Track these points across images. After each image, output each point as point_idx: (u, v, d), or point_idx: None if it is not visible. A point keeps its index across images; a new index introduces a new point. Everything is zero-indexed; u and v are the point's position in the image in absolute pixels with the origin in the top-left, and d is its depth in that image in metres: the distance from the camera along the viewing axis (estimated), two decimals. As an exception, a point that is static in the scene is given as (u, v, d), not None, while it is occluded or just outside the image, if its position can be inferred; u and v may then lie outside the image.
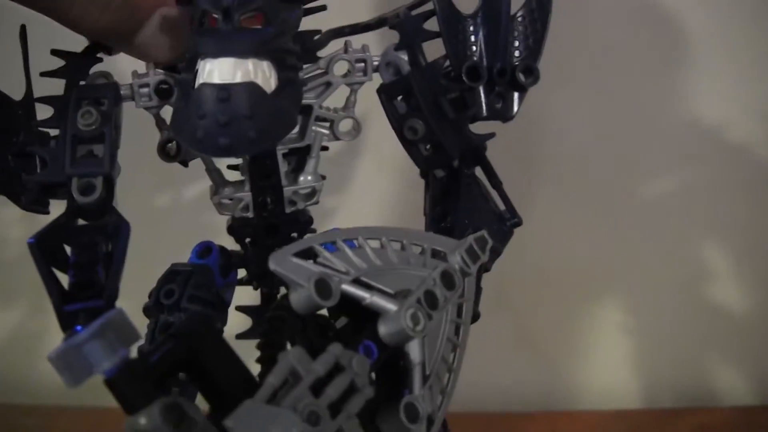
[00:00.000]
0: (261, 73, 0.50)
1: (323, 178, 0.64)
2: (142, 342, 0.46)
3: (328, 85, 0.60)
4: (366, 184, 1.03)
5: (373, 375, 0.48)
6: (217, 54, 0.49)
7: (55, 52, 0.57)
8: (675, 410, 1.10)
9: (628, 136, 1.06)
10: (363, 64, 0.60)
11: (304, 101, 0.59)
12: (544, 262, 1.05)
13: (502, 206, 0.61)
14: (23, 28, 0.57)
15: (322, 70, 0.60)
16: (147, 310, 0.58)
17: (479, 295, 0.56)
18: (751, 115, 1.04)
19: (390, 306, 0.49)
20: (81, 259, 0.50)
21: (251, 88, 0.49)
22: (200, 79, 0.50)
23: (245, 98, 0.48)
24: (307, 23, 0.58)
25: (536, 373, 1.14)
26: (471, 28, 0.61)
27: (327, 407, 0.43)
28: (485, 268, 0.58)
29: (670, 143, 1.07)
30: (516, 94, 0.62)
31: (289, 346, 0.49)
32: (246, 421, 0.42)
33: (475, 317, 0.55)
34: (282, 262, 0.49)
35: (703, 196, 1.08)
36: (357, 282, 0.50)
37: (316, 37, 0.62)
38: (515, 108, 0.62)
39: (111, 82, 0.57)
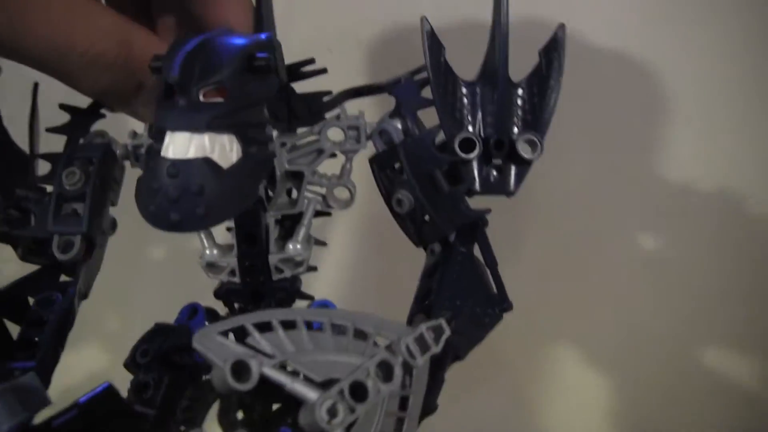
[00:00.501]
0: (219, 148, 0.49)
1: (324, 244, 0.62)
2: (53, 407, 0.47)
3: (321, 151, 0.59)
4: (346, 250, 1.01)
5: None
6: (173, 128, 0.49)
7: (62, 107, 0.60)
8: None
9: (618, 188, 1.03)
10: (356, 132, 0.58)
11: (295, 167, 0.58)
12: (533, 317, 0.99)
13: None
14: (36, 85, 0.59)
15: (316, 136, 0.58)
16: (126, 367, 0.59)
17: (437, 386, 0.52)
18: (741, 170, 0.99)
19: (310, 395, 0.47)
20: (34, 316, 0.51)
21: (202, 164, 0.48)
22: (161, 152, 0.50)
23: (195, 175, 0.48)
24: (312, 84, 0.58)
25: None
26: (469, 96, 0.58)
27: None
28: (457, 357, 0.54)
29: (653, 198, 1.03)
30: (514, 168, 0.57)
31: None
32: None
33: (429, 410, 0.52)
34: (205, 339, 0.48)
35: (688, 250, 1.03)
36: (281, 367, 0.48)
37: (327, 98, 0.61)
38: (512, 182, 0.58)
39: (104, 142, 0.58)
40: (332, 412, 0.47)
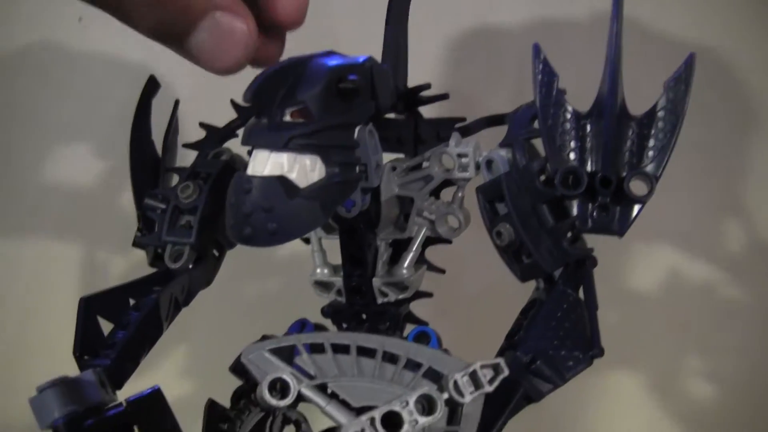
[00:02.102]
0: (299, 168, 0.50)
1: (442, 272, 0.62)
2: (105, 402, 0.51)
3: (430, 178, 0.58)
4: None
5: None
6: (253, 146, 0.51)
7: (201, 125, 0.64)
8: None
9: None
10: (465, 159, 0.57)
11: (406, 193, 0.59)
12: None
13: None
14: (176, 103, 0.64)
15: (425, 163, 0.58)
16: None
17: (496, 425, 0.50)
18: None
19: (342, 419, 0.48)
20: (124, 318, 0.55)
21: (272, 182, 0.49)
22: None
23: (265, 192, 0.49)
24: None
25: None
26: (578, 130, 0.55)
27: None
28: (530, 399, 0.52)
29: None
30: (619, 208, 0.54)
31: None
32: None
33: None
34: (253, 354, 0.50)
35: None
36: (320, 387, 0.49)
37: (459, 125, 0.61)
38: (617, 222, 0.54)
39: (225, 158, 0.62)
40: (358, 439, 0.46)
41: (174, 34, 0.50)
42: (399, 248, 0.61)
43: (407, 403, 0.48)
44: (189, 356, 1.06)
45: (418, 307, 0.65)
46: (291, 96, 0.50)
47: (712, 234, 0.98)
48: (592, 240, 0.56)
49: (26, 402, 0.49)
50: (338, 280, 0.61)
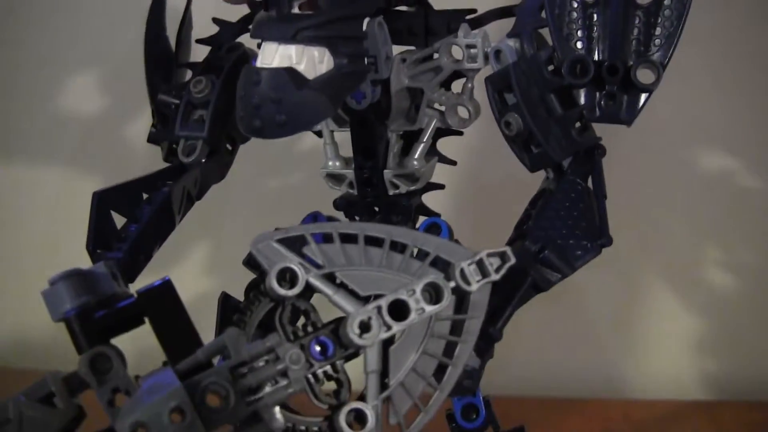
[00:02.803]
0: (307, 59, 0.50)
1: (454, 163, 0.62)
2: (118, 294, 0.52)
3: (440, 69, 0.58)
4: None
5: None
6: (260, 37, 0.51)
7: (214, 20, 0.64)
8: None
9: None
10: (474, 50, 0.57)
11: (416, 84, 0.58)
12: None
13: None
14: None
15: (435, 54, 0.58)
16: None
17: (504, 315, 0.51)
18: None
19: (349, 308, 0.48)
20: (137, 211, 0.56)
21: (281, 73, 0.49)
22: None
23: (274, 83, 0.49)
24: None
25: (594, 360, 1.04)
26: (587, 18, 0.54)
27: (240, 390, 0.45)
28: (539, 288, 0.52)
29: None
30: (626, 97, 0.53)
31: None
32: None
33: (491, 339, 0.51)
34: (262, 244, 0.50)
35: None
36: (328, 277, 0.49)
37: (470, 16, 0.60)
38: (624, 111, 0.53)
39: (238, 53, 0.61)
40: (363, 327, 0.47)
41: None
42: (410, 140, 0.61)
43: (414, 292, 0.48)
44: (209, 254, 1.07)
45: (434, 200, 0.65)
46: None
47: (725, 120, 0.97)
48: (606, 131, 0.56)
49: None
50: (350, 173, 0.61)
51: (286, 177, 1.06)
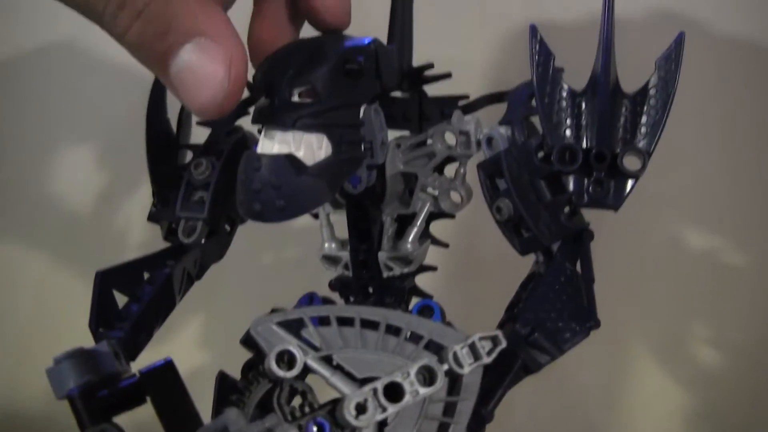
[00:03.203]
0: (306, 146, 0.52)
1: (446, 245, 0.64)
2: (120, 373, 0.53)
3: (433, 155, 0.60)
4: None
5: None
6: (262, 125, 0.53)
7: None
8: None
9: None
10: (466, 137, 0.59)
11: (410, 169, 0.60)
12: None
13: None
14: None
15: (429, 140, 0.60)
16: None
17: (495, 396, 0.52)
18: None
19: (346, 390, 0.50)
20: (138, 291, 0.58)
21: (281, 160, 0.51)
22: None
23: (274, 169, 0.51)
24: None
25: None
26: (576, 106, 0.56)
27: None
28: (529, 370, 0.54)
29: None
30: (613, 183, 0.55)
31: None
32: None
33: (482, 420, 0.52)
34: (261, 327, 0.52)
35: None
36: (325, 359, 0.51)
37: (462, 102, 0.62)
38: (611, 197, 0.55)
39: (237, 136, 0.63)
40: (360, 408, 0.48)
41: (156, 52, 0.47)
42: (404, 223, 0.63)
43: (408, 374, 0.49)
44: (204, 329, 1.08)
45: (427, 281, 0.67)
46: (299, 77, 0.51)
47: (714, 200, 0.99)
48: (594, 213, 0.58)
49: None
50: (345, 255, 0.63)
51: (281, 253, 1.08)
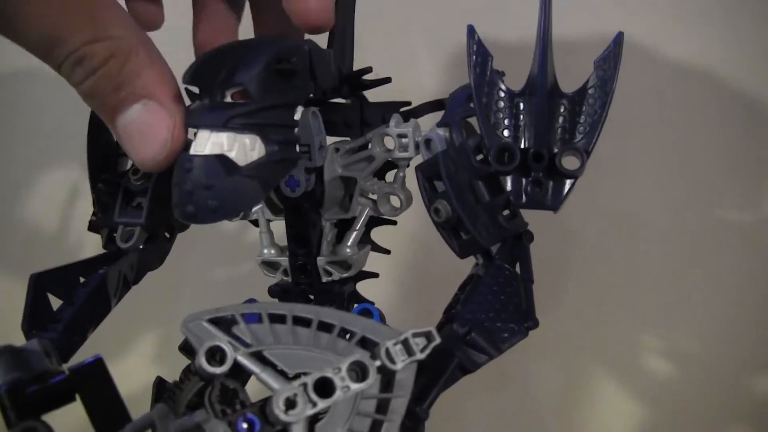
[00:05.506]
0: (239, 146, 0.51)
1: (387, 252, 0.64)
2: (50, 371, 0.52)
3: (371, 159, 0.60)
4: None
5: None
6: (192, 125, 0.53)
7: None
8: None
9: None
10: (405, 140, 0.59)
11: (349, 173, 0.60)
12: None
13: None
14: None
15: (368, 144, 0.60)
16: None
17: (430, 395, 0.52)
18: None
19: (275, 385, 0.49)
20: (73, 294, 0.57)
21: (212, 160, 0.50)
22: None
23: (205, 170, 0.50)
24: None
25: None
26: (514, 106, 0.56)
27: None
28: (466, 370, 0.53)
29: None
30: (551, 183, 0.55)
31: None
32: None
33: (417, 418, 0.51)
34: (192, 324, 0.51)
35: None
36: (256, 356, 0.50)
37: (404, 109, 0.62)
38: (550, 197, 0.55)
39: None
40: (289, 404, 0.48)
41: (106, 105, 0.52)
42: (344, 228, 0.63)
43: (340, 370, 0.49)
44: (159, 342, 1.07)
45: (380, 290, 0.66)
46: (230, 78, 0.51)
47: (669, 214, 1.00)
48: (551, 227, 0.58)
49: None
50: (284, 260, 0.62)
51: (234, 267, 1.07)
